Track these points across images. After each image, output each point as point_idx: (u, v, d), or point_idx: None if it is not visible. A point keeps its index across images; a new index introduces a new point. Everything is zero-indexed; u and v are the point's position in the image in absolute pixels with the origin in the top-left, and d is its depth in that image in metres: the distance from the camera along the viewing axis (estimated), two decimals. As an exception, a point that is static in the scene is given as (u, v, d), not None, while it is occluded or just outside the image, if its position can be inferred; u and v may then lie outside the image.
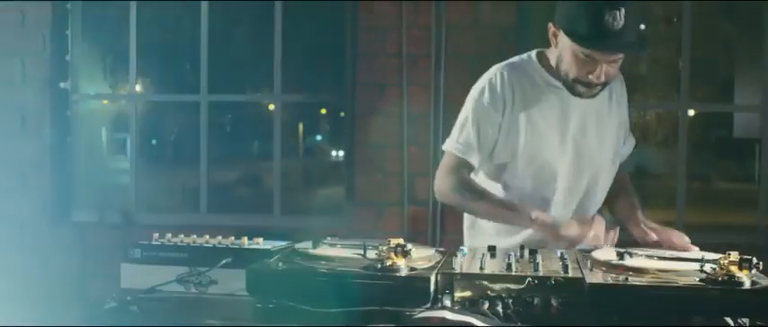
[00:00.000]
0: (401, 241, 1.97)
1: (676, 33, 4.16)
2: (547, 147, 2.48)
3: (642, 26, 2.48)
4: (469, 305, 1.90)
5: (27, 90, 4.51)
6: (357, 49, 4.22)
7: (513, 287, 1.91)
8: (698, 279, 1.89)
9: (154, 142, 5.06)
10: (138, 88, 4.58)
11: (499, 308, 1.88)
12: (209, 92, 4.51)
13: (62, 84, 4.60)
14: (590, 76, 2.31)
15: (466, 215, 2.67)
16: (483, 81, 2.50)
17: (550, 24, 2.38)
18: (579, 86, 2.37)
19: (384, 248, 1.95)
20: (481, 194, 2.49)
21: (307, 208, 5.36)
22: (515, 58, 2.55)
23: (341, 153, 4.35)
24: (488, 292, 1.93)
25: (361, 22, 4.20)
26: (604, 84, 2.38)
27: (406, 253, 1.94)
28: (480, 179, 2.58)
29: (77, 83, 4.67)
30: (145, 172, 4.80)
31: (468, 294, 1.92)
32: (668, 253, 2.12)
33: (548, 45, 2.43)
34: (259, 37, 4.70)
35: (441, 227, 4.08)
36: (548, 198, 2.52)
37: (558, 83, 2.43)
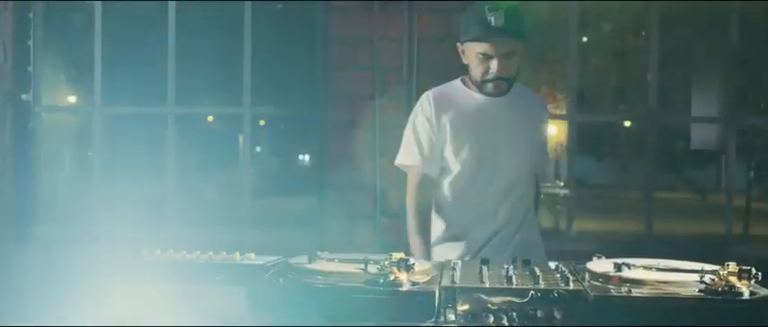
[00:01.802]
0: (403, 255, 1.96)
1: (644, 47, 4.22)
2: (468, 155, 2.87)
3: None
4: (473, 319, 1.90)
5: (-13, 102, 4.40)
6: (329, 61, 4.20)
7: (516, 300, 1.91)
8: (697, 290, 1.92)
9: (119, 155, 4.95)
10: (101, 99, 4.47)
11: (504, 322, 1.88)
12: (176, 104, 4.44)
13: (24, 96, 4.49)
14: (490, 71, 2.78)
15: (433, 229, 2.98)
16: (416, 106, 2.97)
17: (458, 44, 2.88)
18: (486, 85, 2.83)
19: (386, 262, 1.93)
20: (421, 231, 2.90)
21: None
22: (442, 85, 3.01)
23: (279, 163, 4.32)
24: (490, 305, 1.93)
25: (333, 34, 4.18)
26: (507, 80, 2.83)
27: (408, 268, 1.93)
28: (444, 187, 2.94)
29: (40, 95, 4.56)
30: (108, 185, 4.69)
31: (470, 307, 1.91)
32: (663, 264, 2.14)
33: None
34: (228, 48, 4.65)
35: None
36: (474, 201, 2.91)
37: (477, 95, 2.88)
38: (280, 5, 4.18)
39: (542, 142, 3.09)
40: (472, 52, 2.82)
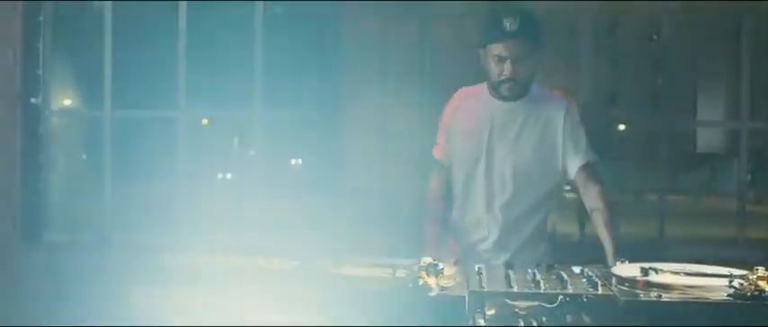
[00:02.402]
0: (431, 260, 1.96)
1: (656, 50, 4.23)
2: (473, 155, 3.07)
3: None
4: (502, 324, 1.89)
5: (-4, 105, 4.38)
6: (342, 65, 4.19)
7: (545, 304, 1.91)
8: (726, 295, 1.92)
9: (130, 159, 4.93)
10: (112, 104, 4.45)
11: (534, 326, 1.88)
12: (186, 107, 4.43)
13: (33, 100, 4.47)
14: (504, 73, 2.95)
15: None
16: (449, 104, 3.22)
17: (480, 49, 3.06)
18: (501, 87, 2.99)
19: (415, 267, 1.93)
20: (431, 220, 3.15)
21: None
22: (473, 86, 3.23)
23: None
24: (518, 310, 1.93)
25: (346, 38, 4.17)
26: (520, 82, 2.98)
27: (438, 273, 1.92)
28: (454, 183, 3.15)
29: (49, 99, 4.55)
30: (120, 189, 4.68)
31: (499, 312, 1.91)
32: (689, 268, 2.14)
33: None
34: (239, 51, 4.64)
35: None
36: (475, 196, 3.09)
37: (495, 99, 3.06)
38: (292, 9, 4.17)
39: (560, 143, 3.07)
40: (489, 55, 2.99)
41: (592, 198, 3.03)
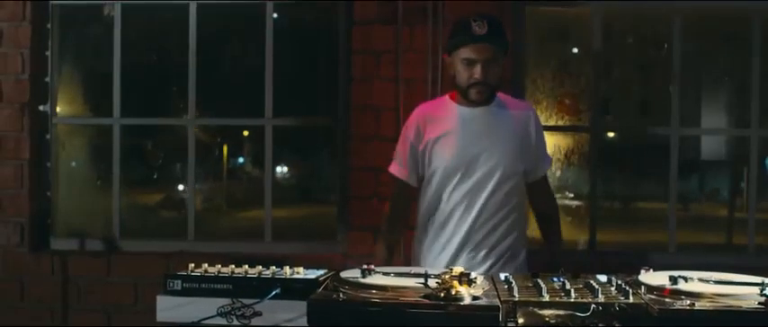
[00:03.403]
0: (463, 269, 1.95)
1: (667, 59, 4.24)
2: (449, 164, 3.10)
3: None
4: (535, 334, 1.88)
5: (4, 112, 4.35)
6: (351, 73, 4.19)
7: (578, 314, 1.90)
8: (757, 303, 1.91)
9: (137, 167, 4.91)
10: (121, 111, 4.44)
11: (567, 336, 1.87)
12: (197, 116, 4.42)
13: (41, 107, 4.45)
14: (473, 76, 3.01)
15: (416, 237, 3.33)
16: (409, 119, 3.27)
17: (444, 56, 3.23)
18: (471, 91, 3.06)
19: (446, 276, 1.92)
20: (386, 237, 3.34)
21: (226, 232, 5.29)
22: (433, 100, 3.48)
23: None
24: (549, 319, 1.92)
25: (356, 46, 4.17)
26: (489, 86, 3.06)
27: (470, 282, 1.92)
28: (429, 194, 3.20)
29: (57, 106, 4.53)
30: (129, 197, 4.66)
31: (531, 321, 1.90)
32: (717, 276, 2.13)
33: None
34: (249, 60, 4.63)
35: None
36: (452, 198, 3.12)
37: (462, 107, 3.12)
38: (302, 17, 4.17)
39: (532, 146, 3.20)
40: (458, 59, 3.07)
41: (548, 204, 3.37)
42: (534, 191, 3.28)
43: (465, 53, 3.03)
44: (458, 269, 1.94)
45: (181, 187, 4.74)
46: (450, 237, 3.14)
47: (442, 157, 3.11)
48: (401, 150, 3.24)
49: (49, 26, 4.45)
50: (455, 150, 3.09)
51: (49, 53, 4.46)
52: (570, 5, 4.30)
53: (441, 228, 3.16)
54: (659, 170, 4.24)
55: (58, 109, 4.54)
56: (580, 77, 4.41)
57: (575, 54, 4.56)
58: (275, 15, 4.34)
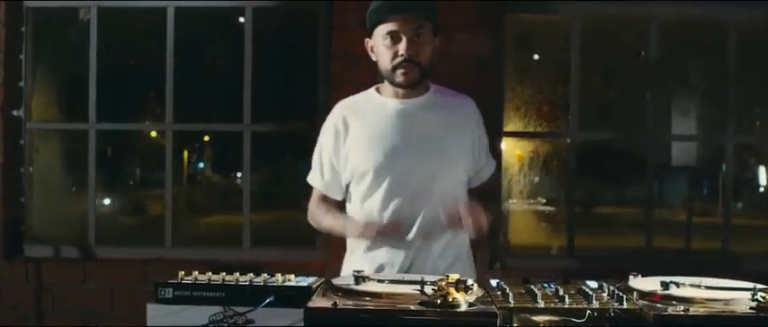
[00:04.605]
0: (459, 276, 1.95)
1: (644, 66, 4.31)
2: (379, 162, 2.61)
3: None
4: (531, 340, 1.89)
5: (-23, 117, 4.29)
6: (329, 77, 4.18)
7: (573, 319, 1.91)
8: (749, 307, 1.94)
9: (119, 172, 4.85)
10: (96, 117, 4.38)
11: (563, 342, 1.88)
12: (174, 122, 4.38)
13: (15, 112, 4.38)
14: (399, 53, 2.55)
15: (348, 242, 2.81)
16: (327, 119, 2.77)
17: (366, 40, 2.69)
18: (396, 73, 2.59)
19: (442, 283, 1.92)
20: (327, 211, 2.77)
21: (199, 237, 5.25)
22: (356, 95, 2.81)
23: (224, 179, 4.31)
24: (545, 325, 1.93)
25: (334, 50, 4.16)
26: (417, 64, 2.57)
27: (467, 289, 1.91)
28: (357, 195, 2.71)
29: (31, 111, 4.46)
30: (106, 203, 4.60)
31: (527, 327, 1.91)
32: (707, 282, 2.16)
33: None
34: (227, 64, 4.60)
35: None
36: (384, 202, 2.64)
37: (390, 101, 2.66)
38: (281, 22, 4.14)
39: (475, 147, 2.75)
40: (379, 38, 2.60)
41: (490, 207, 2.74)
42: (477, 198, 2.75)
43: (386, 27, 2.56)
44: (454, 276, 1.94)
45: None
46: (385, 261, 2.66)
47: (366, 162, 2.63)
48: (318, 159, 2.77)
49: (23, 29, 4.39)
50: (383, 153, 2.62)
51: (22, 57, 4.39)
52: (548, 12, 4.33)
53: (369, 250, 2.69)
54: (636, 175, 4.29)
55: (32, 113, 4.46)
56: (558, 84, 4.44)
57: (553, 60, 4.60)
58: (253, 19, 4.31)
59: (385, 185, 2.62)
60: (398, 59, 2.57)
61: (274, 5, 4.41)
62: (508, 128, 4.36)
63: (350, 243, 2.80)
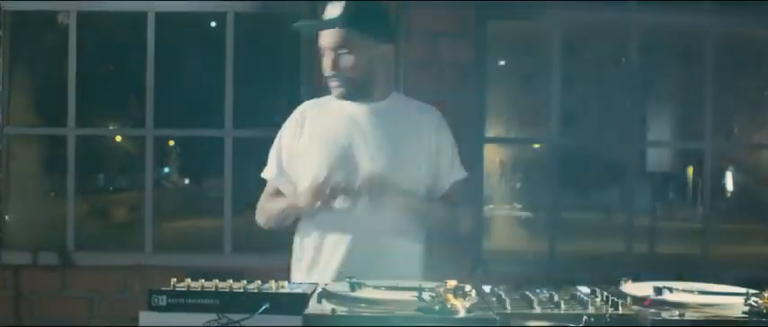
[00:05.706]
0: (456, 282, 1.95)
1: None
2: (323, 159, 2.60)
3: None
4: (527, 346, 1.90)
5: (-47, 123, 4.22)
6: (314, 84, 4.16)
7: (570, 325, 1.92)
8: (742, 312, 1.96)
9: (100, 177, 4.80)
10: (75, 122, 4.33)
11: (561, 348, 1.89)
12: (155, 127, 4.34)
13: (-8, 117, 4.33)
14: (326, 68, 2.57)
15: (294, 248, 2.78)
16: (290, 117, 2.76)
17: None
18: (331, 84, 2.61)
19: (440, 289, 1.92)
20: (273, 198, 2.76)
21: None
22: (319, 98, 2.78)
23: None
24: (542, 331, 1.94)
25: (319, 56, 4.14)
26: (343, 79, 2.58)
27: (465, 295, 1.92)
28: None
29: (9, 116, 4.39)
30: (84, 209, 4.55)
31: (524, 334, 1.92)
32: (699, 287, 2.18)
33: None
34: (209, 69, 4.57)
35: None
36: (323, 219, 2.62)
37: (349, 106, 2.64)
38: (264, 25, 4.13)
39: (429, 151, 2.68)
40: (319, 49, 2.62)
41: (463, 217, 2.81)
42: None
43: (320, 41, 2.58)
44: (452, 283, 1.94)
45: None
46: (324, 268, 2.64)
47: (313, 163, 2.61)
48: (274, 154, 2.75)
49: (0, 33, 4.33)
50: (331, 154, 2.60)
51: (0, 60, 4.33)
52: (531, 19, 4.37)
53: (313, 256, 2.67)
54: (617, 181, 4.33)
55: (9, 118, 4.40)
56: (540, 90, 4.48)
57: (534, 67, 4.63)
58: (234, 23, 4.29)
59: (322, 195, 2.54)
60: (328, 74, 2.61)
61: (256, 11, 4.39)
62: (490, 133, 4.39)
63: (296, 250, 2.77)
